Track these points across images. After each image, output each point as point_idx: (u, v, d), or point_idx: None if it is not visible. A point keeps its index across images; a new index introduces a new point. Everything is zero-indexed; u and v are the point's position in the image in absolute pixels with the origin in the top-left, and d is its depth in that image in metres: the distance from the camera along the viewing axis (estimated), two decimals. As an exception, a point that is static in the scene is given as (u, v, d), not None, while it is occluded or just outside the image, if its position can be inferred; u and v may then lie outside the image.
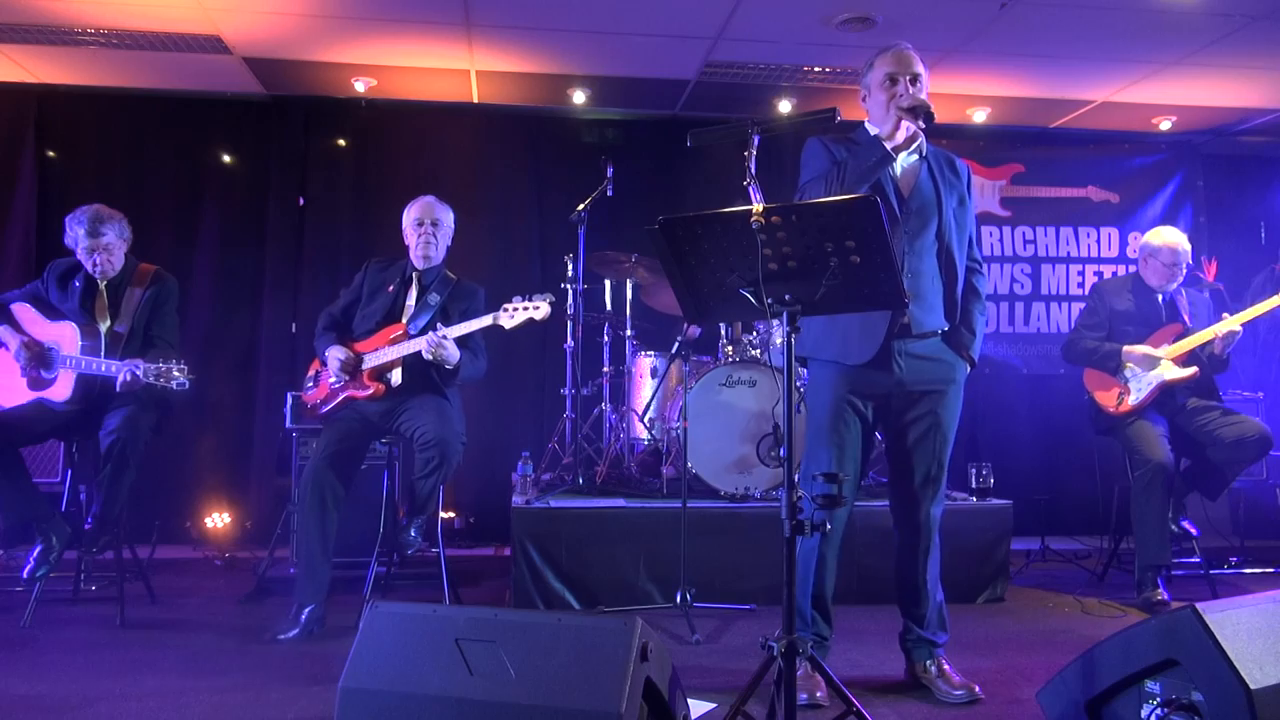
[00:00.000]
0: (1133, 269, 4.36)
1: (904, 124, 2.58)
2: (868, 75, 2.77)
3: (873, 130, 2.72)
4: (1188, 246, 4.14)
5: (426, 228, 3.72)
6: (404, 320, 3.67)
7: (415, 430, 3.48)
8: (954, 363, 2.79)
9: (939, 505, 2.82)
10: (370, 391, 3.58)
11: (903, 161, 2.75)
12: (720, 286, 2.18)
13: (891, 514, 2.89)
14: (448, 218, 3.81)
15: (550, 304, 3.55)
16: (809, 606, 2.76)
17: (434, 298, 3.71)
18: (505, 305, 3.55)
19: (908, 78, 2.68)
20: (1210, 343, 3.98)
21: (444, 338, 3.47)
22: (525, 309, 3.52)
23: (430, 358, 3.49)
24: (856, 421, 2.75)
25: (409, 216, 3.78)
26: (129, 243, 3.80)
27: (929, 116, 2.52)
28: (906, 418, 2.79)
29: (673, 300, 2.40)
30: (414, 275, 3.76)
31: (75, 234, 3.67)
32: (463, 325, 3.56)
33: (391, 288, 3.75)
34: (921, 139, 2.72)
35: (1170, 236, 4.14)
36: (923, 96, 2.64)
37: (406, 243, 3.79)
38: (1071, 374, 4.46)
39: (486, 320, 3.55)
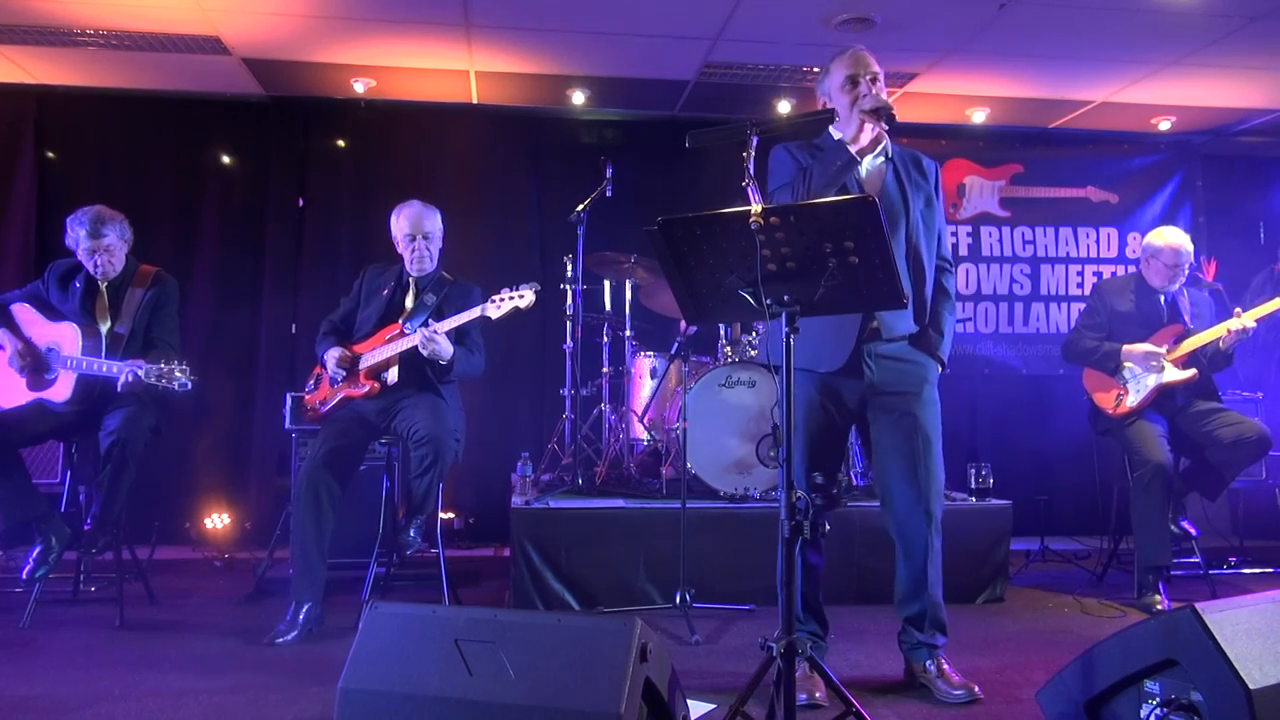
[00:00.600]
0: (1133, 269, 4.36)
1: (867, 126, 2.58)
2: (825, 82, 2.76)
3: (836, 135, 2.71)
4: (1190, 247, 4.12)
5: (419, 243, 3.73)
6: (400, 321, 3.68)
7: (410, 428, 3.49)
8: (925, 363, 2.79)
9: (937, 506, 2.77)
10: (367, 390, 3.60)
11: (868, 164, 2.74)
12: (719, 287, 2.18)
13: (886, 520, 2.85)
14: (437, 224, 3.80)
15: (535, 292, 3.55)
16: (800, 607, 2.76)
17: (430, 298, 3.72)
18: (493, 297, 3.56)
19: (868, 77, 2.67)
20: (1213, 341, 3.97)
21: (435, 332, 3.48)
22: (510, 298, 3.53)
23: (426, 353, 3.49)
24: (829, 423, 2.76)
25: (399, 229, 3.78)
26: (130, 244, 3.80)
27: (890, 117, 2.53)
28: (883, 422, 2.78)
29: (672, 301, 2.40)
30: (409, 280, 3.78)
31: (76, 235, 3.67)
32: (452, 319, 3.57)
33: (387, 291, 3.77)
34: (886, 140, 2.73)
35: (1173, 237, 4.13)
36: (884, 97, 2.64)
37: (399, 251, 3.80)
38: (1071, 374, 4.46)
39: (475, 312, 3.56)
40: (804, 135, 2.80)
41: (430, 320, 3.58)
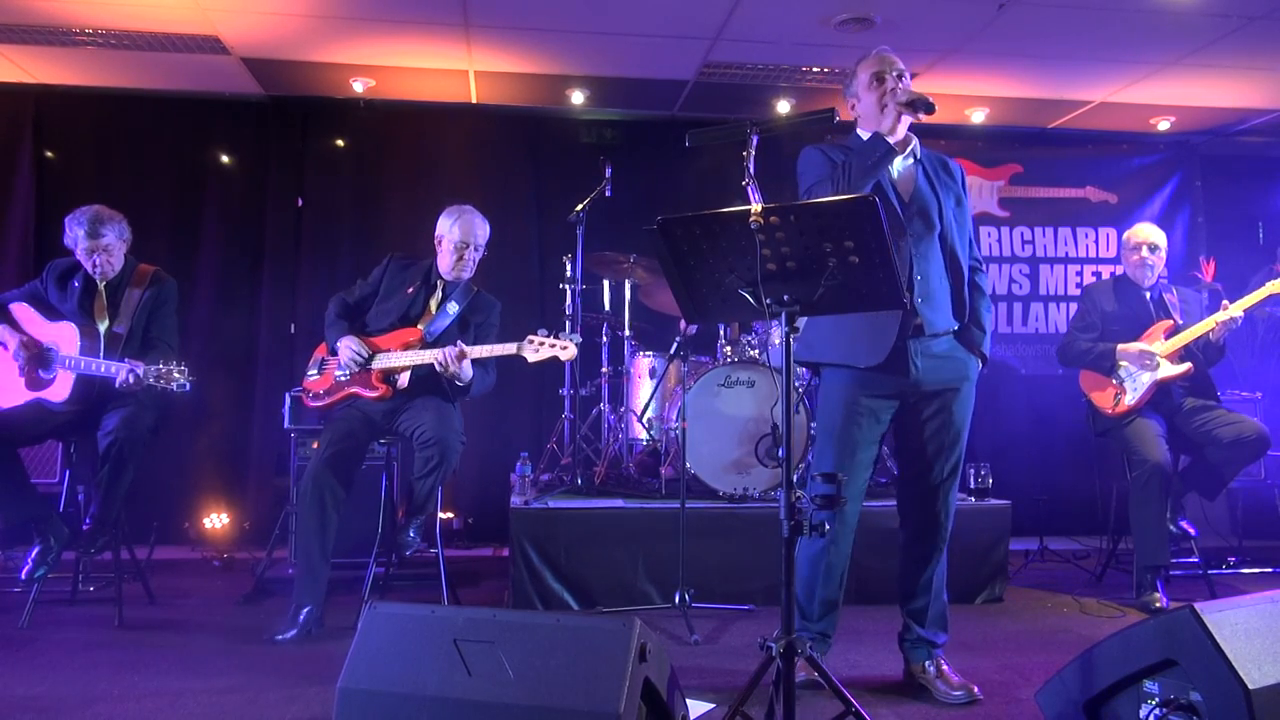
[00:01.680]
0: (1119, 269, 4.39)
1: (904, 118, 2.59)
2: (853, 84, 2.78)
3: (865, 135, 2.72)
4: (1151, 234, 4.15)
5: (470, 252, 3.69)
6: (421, 326, 3.65)
7: (415, 429, 3.47)
8: (967, 360, 2.82)
9: (954, 502, 2.82)
10: (379, 394, 3.55)
11: (899, 165, 2.75)
12: (719, 287, 2.18)
13: (900, 513, 2.88)
14: (487, 235, 3.76)
15: (577, 345, 3.47)
16: (815, 606, 2.77)
17: (452, 305, 3.68)
18: (531, 337, 3.46)
19: (894, 73, 2.69)
20: (1204, 334, 3.97)
21: (461, 355, 3.43)
22: (552, 345, 3.42)
23: (442, 371, 3.47)
24: (870, 424, 2.75)
25: (450, 234, 3.69)
26: (129, 243, 3.79)
27: (929, 108, 2.53)
28: (921, 416, 2.79)
29: (671, 300, 2.40)
30: (438, 283, 3.74)
31: (75, 235, 3.67)
32: (487, 348, 3.51)
33: (411, 289, 3.72)
34: (915, 142, 2.74)
35: (1138, 227, 4.22)
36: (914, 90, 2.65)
37: (439, 250, 3.73)
38: (1069, 374, 4.47)
39: (510, 348, 3.48)
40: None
41: (458, 339, 3.53)
